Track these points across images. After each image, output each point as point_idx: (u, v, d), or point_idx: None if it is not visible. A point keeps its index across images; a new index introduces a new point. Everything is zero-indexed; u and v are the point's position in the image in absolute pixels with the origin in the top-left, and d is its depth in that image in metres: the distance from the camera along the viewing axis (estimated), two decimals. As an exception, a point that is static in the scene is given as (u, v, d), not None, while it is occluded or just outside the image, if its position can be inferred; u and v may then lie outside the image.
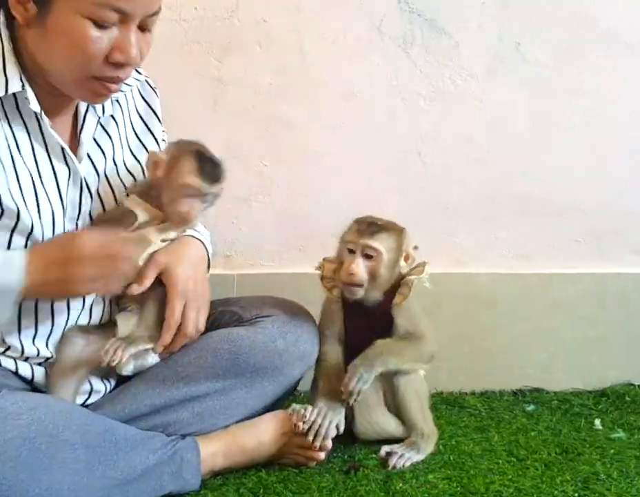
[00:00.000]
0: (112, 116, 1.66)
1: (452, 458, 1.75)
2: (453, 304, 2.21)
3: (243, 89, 2.09)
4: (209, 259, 1.74)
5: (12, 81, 1.45)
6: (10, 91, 1.45)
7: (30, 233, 1.47)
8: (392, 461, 1.71)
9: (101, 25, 1.39)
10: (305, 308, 1.84)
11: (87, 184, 1.58)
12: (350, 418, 1.78)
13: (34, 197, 1.49)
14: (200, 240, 1.71)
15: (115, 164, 1.66)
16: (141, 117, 1.75)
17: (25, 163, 1.49)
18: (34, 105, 1.47)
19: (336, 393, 1.71)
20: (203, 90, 2.08)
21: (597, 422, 2.01)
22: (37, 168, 1.51)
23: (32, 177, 1.50)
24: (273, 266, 2.21)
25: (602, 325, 2.25)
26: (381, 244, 1.71)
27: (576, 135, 2.21)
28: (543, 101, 2.19)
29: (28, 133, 1.50)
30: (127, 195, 1.64)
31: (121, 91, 1.65)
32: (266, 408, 1.73)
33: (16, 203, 1.45)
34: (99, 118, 1.63)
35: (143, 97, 1.76)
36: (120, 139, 1.68)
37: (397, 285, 1.75)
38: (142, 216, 1.61)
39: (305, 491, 1.58)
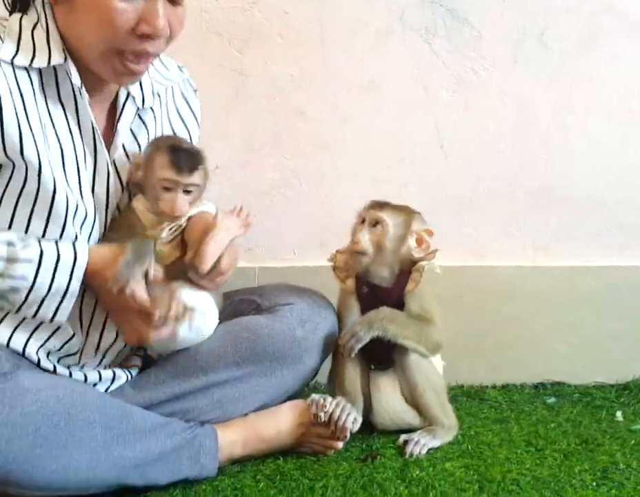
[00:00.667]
0: (151, 108, 1.66)
1: (470, 448, 1.75)
2: (474, 297, 2.20)
3: (263, 80, 2.10)
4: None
5: (55, 53, 1.47)
6: (53, 63, 1.46)
7: (51, 206, 1.47)
8: (409, 448, 1.71)
9: None
10: (324, 296, 1.84)
11: (117, 173, 1.59)
12: (368, 408, 1.79)
13: (63, 174, 1.50)
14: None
15: None
16: (179, 115, 1.75)
17: (59, 139, 1.50)
18: (75, 78, 1.49)
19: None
20: (224, 82, 2.09)
21: (619, 414, 1.99)
22: (74, 145, 1.52)
23: (63, 154, 1.50)
24: (293, 259, 2.22)
25: (625, 318, 2.23)
26: (387, 215, 1.76)
27: (598, 125, 2.20)
28: (565, 90, 2.18)
29: (64, 109, 1.51)
30: (134, 194, 1.63)
31: (162, 85, 1.68)
32: (285, 397, 1.74)
33: (53, 176, 1.46)
34: (138, 108, 1.63)
35: (183, 96, 1.77)
36: (156, 133, 1.68)
37: (409, 272, 1.77)
38: (146, 219, 1.60)
39: (322, 478, 1.59)
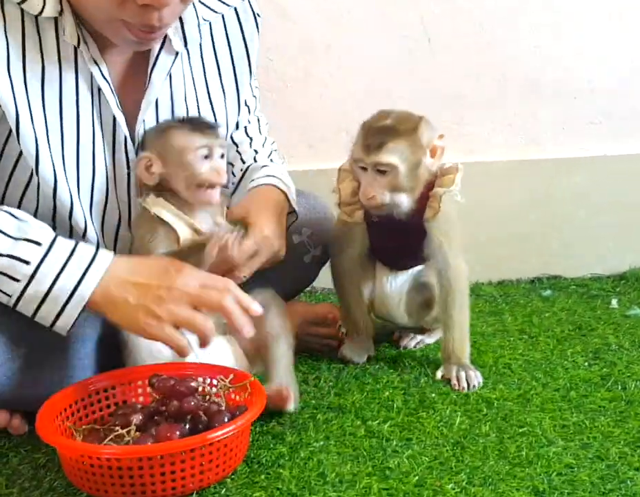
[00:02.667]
0: (197, 44, 1.46)
1: (462, 338, 1.75)
2: (467, 193, 2.14)
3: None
4: (289, 199, 1.55)
5: (50, 3, 1.27)
6: (45, 14, 1.27)
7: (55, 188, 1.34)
8: (403, 342, 1.72)
9: None
10: (321, 199, 1.76)
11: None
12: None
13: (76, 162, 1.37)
14: (273, 184, 1.54)
15: (187, 107, 1.47)
16: (230, 50, 1.52)
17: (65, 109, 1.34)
18: (70, 35, 1.29)
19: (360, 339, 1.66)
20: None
21: (614, 301, 1.99)
22: (77, 117, 1.36)
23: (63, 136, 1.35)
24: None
25: (619, 208, 2.21)
26: (393, 155, 1.46)
27: (588, 12, 2.15)
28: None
29: (76, 72, 1.34)
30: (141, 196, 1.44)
31: (214, 13, 1.45)
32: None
33: (54, 168, 1.33)
34: (177, 54, 1.42)
35: (239, 21, 1.52)
36: (193, 75, 1.48)
37: (427, 195, 1.54)
38: (182, 231, 1.42)
39: (316, 370, 1.60)
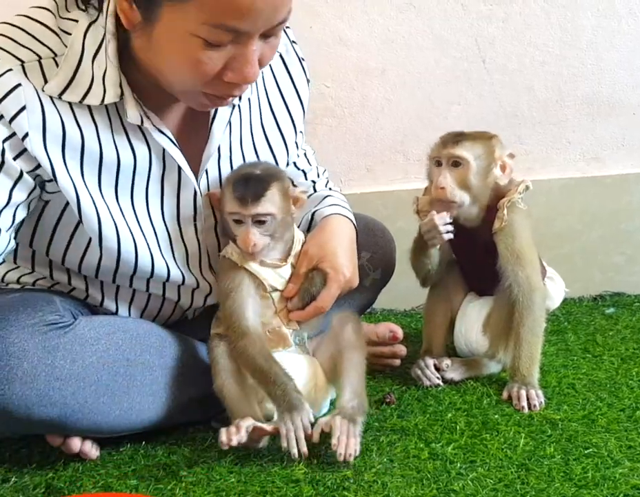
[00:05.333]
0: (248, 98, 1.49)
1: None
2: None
3: (300, 10, 2.08)
4: (355, 226, 1.59)
5: (110, 90, 1.28)
6: (107, 101, 1.29)
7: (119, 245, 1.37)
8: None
9: (213, 44, 1.20)
10: (378, 221, 1.80)
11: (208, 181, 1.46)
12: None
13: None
14: (340, 214, 1.57)
15: (242, 151, 1.50)
16: (280, 92, 1.55)
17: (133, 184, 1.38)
18: (132, 117, 1.32)
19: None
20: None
21: (680, 319, 1.96)
22: (148, 179, 1.40)
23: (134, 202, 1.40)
24: (341, 188, 2.20)
25: (682, 223, 2.19)
26: (467, 150, 1.57)
27: (643, 27, 2.14)
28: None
29: (145, 138, 1.37)
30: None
31: None
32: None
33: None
34: (234, 106, 1.45)
35: (285, 64, 1.55)
36: (251, 124, 1.51)
37: (496, 207, 1.60)
38: (272, 279, 1.47)
39: (379, 392, 1.61)
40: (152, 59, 1.27)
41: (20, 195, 1.28)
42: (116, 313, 1.50)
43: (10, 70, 1.24)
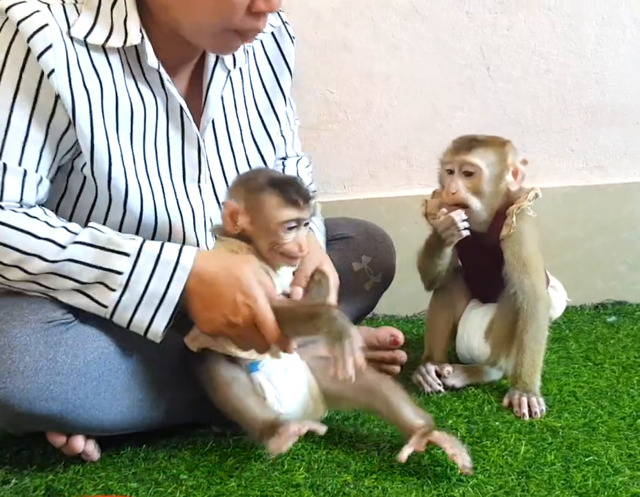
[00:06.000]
0: (240, 68, 1.56)
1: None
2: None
3: (303, 14, 2.09)
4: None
5: (132, 32, 1.36)
6: (129, 43, 1.36)
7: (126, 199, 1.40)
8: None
9: None
10: (379, 227, 1.82)
11: (204, 145, 1.50)
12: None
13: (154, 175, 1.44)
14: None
15: (239, 125, 1.56)
16: (271, 67, 1.62)
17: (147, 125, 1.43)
18: (152, 60, 1.38)
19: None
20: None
21: (681, 329, 1.96)
22: (156, 130, 1.44)
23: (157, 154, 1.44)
24: (344, 193, 2.22)
25: (684, 232, 2.19)
26: (480, 158, 1.57)
27: (647, 36, 2.14)
28: (612, 2, 2.12)
29: (150, 87, 1.42)
30: (215, 236, 1.47)
31: (256, 39, 1.53)
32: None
33: (126, 178, 1.39)
34: (229, 72, 1.52)
35: (277, 44, 1.62)
36: (244, 95, 1.57)
37: (505, 214, 1.60)
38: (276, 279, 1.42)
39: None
40: (183, 4, 1.33)
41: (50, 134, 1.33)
42: None
43: (38, 10, 1.30)
